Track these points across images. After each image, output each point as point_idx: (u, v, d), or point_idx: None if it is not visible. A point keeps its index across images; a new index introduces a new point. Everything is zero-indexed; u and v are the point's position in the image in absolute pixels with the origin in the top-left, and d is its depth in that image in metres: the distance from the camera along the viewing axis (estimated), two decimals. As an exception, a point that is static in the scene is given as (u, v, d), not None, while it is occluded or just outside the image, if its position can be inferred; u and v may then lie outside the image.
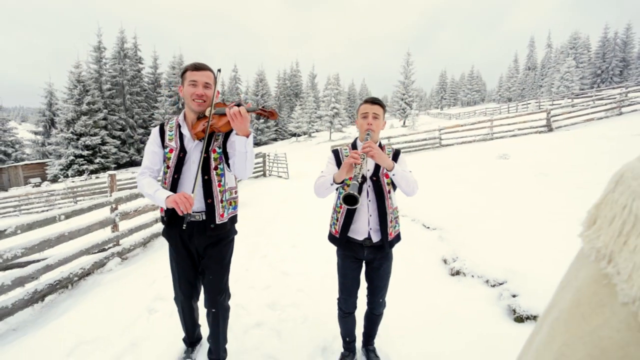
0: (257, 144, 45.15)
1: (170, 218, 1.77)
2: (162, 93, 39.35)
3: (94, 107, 31.62)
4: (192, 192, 1.64)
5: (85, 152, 30.40)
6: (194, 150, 1.72)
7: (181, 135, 1.74)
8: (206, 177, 1.72)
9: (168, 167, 1.75)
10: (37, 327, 2.38)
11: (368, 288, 1.95)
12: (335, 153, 1.88)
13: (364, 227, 1.80)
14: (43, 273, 2.84)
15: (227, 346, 1.96)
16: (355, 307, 1.99)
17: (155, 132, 1.80)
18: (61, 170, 29.84)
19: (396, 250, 2.17)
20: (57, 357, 1.97)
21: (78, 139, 30.37)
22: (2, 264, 2.50)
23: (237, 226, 1.95)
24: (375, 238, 1.81)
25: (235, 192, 1.88)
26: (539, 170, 6.24)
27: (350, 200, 1.35)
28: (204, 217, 1.74)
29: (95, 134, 31.28)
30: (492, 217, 4.22)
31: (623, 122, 10.91)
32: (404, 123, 39.25)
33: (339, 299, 2.00)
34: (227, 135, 1.77)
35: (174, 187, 1.73)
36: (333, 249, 2.13)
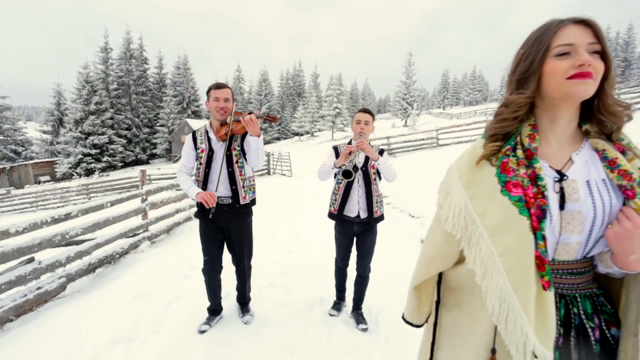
0: (260, 143, 45.75)
1: (201, 206, 2.38)
2: (167, 93, 40.07)
3: (101, 107, 32.39)
4: (216, 190, 2.26)
5: (93, 151, 31.20)
6: (219, 150, 2.32)
7: (209, 139, 2.35)
8: (230, 170, 2.32)
9: (200, 163, 2.34)
10: (97, 288, 3.02)
11: (357, 255, 2.55)
12: (335, 149, 2.53)
13: (355, 206, 2.41)
14: (94, 250, 3.50)
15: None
16: (347, 265, 2.62)
17: (189, 138, 2.41)
18: (70, 168, 30.65)
19: (383, 234, 2.79)
20: (123, 302, 2.62)
21: (86, 138, 31.17)
22: (65, 241, 3.15)
23: None
24: (363, 215, 2.41)
25: (253, 180, 2.49)
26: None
27: (348, 174, 2.06)
28: (230, 201, 2.36)
29: (102, 133, 32.07)
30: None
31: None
32: (406, 123, 39.75)
33: (336, 259, 2.63)
34: (243, 136, 2.38)
35: (205, 179, 2.31)
36: (329, 234, 2.76)
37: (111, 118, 34.04)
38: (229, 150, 2.31)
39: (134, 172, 27.39)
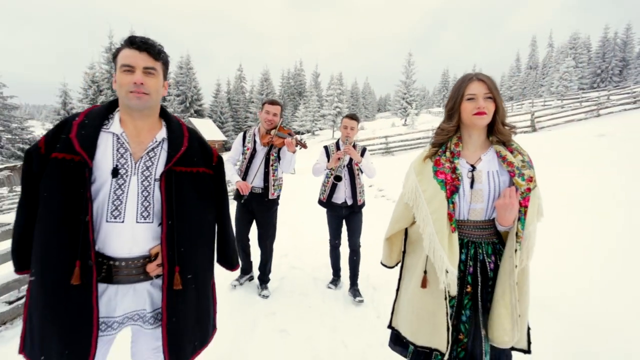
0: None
1: (237, 191, 3.01)
2: (170, 92, 40.74)
3: (106, 106, 33.14)
4: (252, 182, 2.89)
5: (99, 150, 31.94)
6: (261, 152, 2.95)
7: (255, 141, 2.98)
8: (266, 170, 2.94)
9: (245, 158, 2.98)
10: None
11: (348, 234, 3.14)
12: (325, 148, 3.16)
13: (342, 195, 3.04)
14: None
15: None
16: (339, 244, 3.21)
17: (240, 135, 3.06)
18: (76, 166, 31.41)
19: (379, 220, 3.44)
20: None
21: (92, 137, 31.91)
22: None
23: None
24: (349, 202, 3.04)
25: (281, 181, 3.10)
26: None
27: (338, 178, 2.78)
28: (261, 192, 2.97)
29: (108, 132, 32.82)
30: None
31: (597, 124, 12.08)
32: (405, 122, 40.36)
33: (330, 239, 3.23)
34: (280, 147, 2.99)
35: (246, 171, 2.95)
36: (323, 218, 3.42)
37: (116, 117, 34.67)
38: (267, 155, 2.94)
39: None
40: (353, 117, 3.01)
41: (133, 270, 1.18)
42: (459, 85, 1.37)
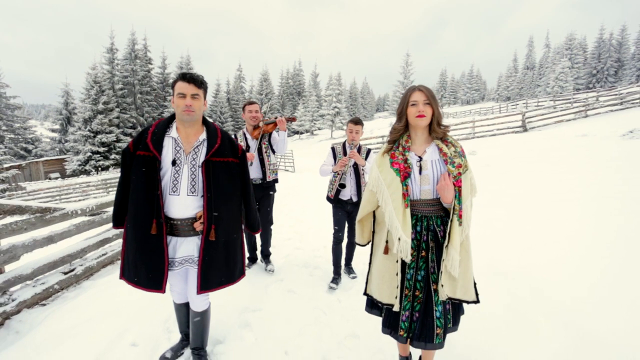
0: (261, 141, 47.03)
1: None
2: (170, 92, 41.07)
3: (108, 107, 33.52)
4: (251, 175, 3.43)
5: (101, 149, 32.35)
6: (253, 145, 3.45)
7: (246, 138, 3.52)
8: (260, 157, 3.48)
9: None
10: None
11: (348, 227, 3.55)
12: (332, 149, 3.52)
13: (348, 192, 3.40)
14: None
15: (271, 249, 3.78)
16: (342, 240, 3.51)
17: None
18: (79, 165, 31.80)
19: None
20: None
21: (95, 137, 32.31)
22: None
23: None
24: (355, 199, 3.40)
25: (276, 166, 3.61)
26: (486, 163, 8.07)
27: (342, 186, 3.18)
28: (260, 182, 3.52)
29: (110, 132, 33.21)
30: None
31: (583, 124, 12.66)
32: (403, 122, 40.82)
33: (334, 233, 3.51)
34: (269, 135, 3.52)
35: None
36: (325, 211, 3.97)
37: (117, 117, 35.08)
38: (260, 145, 3.47)
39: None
40: (358, 121, 3.33)
41: (186, 227, 1.81)
42: (406, 94, 1.75)
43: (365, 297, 1.95)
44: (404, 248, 1.64)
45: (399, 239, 1.64)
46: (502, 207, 4.89)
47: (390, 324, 1.79)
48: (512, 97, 62.29)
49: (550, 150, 8.38)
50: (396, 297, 1.71)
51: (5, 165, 22.52)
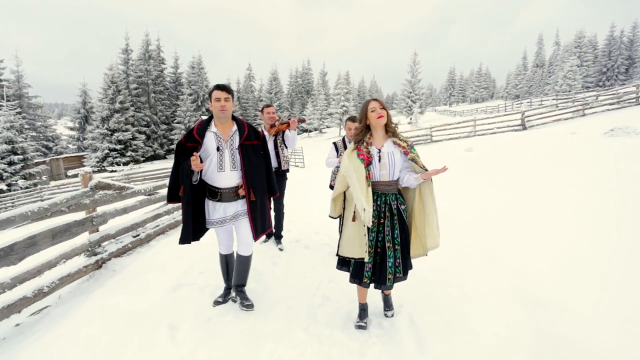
0: (270, 139, 48.05)
1: None
2: (183, 92, 42.38)
3: (124, 105, 34.89)
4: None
5: (118, 146, 33.74)
6: (270, 140, 4.29)
7: (264, 135, 4.41)
8: (276, 150, 4.36)
9: None
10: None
11: None
12: (334, 144, 4.31)
13: None
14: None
15: (283, 232, 4.66)
16: None
17: None
18: (97, 162, 33.28)
19: None
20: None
21: (112, 135, 33.71)
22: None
23: None
24: None
25: (288, 157, 4.45)
26: (479, 157, 8.87)
27: None
28: (276, 169, 4.35)
29: (126, 130, 34.58)
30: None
31: (577, 123, 13.30)
32: (410, 120, 41.43)
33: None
34: (283, 133, 4.39)
35: None
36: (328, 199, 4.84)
37: (132, 116, 36.40)
38: (275, 140, 4.36)
39: (170, 163, 29.94)
40: (354, 119, 3.94)
41: (231, 194, 2.51)
42: (365, 104, 2.31)
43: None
44: (367, 216, 2.10)
45: (364, 209, 2.10)
46: (482, 195, 5.72)
47: (357, 275, 2.31)
48: (521, 95, 62.01)
49: (538, 147, 9.12)
50: (366, 252, 2.20)
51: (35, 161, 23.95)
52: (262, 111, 4.31)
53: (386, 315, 2.53)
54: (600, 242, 3.30)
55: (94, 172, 32.51)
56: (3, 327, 2.51)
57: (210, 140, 2.46)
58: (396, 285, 2.34)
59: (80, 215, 3.40)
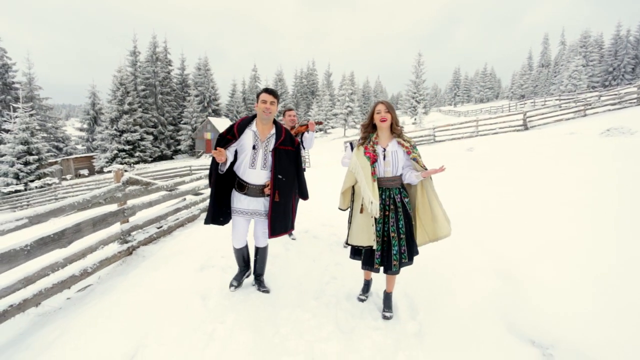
0: (276, 139, 48.49)
1: None
2: (189, 93, 43.01)
3: (132, 107, 35.57)
4: None
5: (127, 147, 34.42)
6: None
7: (299, 143, 4.78)
8: None
9: None
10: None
11: None
12: (350, 143, 4.63)
13: None
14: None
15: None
16: None
17: None
18: (106, 162, 33.99)
19: None
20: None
21: (120, 135, 34.40)
22: (194, 192, 5.74)
23: None
24: None
25: (306, 157, 5.04)
26: (479, 156, 9.18)
27: None
28: None
29: (135, 131, 35.26)
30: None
31: (577, 124, 13.53)
32: (414, 120, 41.62)
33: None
34: (302, 134, 4.79)
35: None
36: (335, 197, 5.24)
37: (140, 117, 37.06)
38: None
39: (177, 163, 30.64)
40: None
41: (257, 190, 2.68)
42: (373, 106, 2.55)
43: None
44: (374, 208, 2.34)
45: (371, 202, 2.35)
46: (482, 189, 6.06)
47: (368, 262, 2.55)
48: (526, 95, 61.77)
49: (537, 146, 9.42)
50: (374, 240, 2.44)
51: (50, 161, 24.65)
52: (283, 114, 4.62)
53: (385, 317, 2.59)
54: (597, 232, 3.62)
55: (100, 171, 33.36)
56: (58, 299, 2.93)
57: (248, 137, 2.63)
58: None
59: (113, 207, 3.82)
